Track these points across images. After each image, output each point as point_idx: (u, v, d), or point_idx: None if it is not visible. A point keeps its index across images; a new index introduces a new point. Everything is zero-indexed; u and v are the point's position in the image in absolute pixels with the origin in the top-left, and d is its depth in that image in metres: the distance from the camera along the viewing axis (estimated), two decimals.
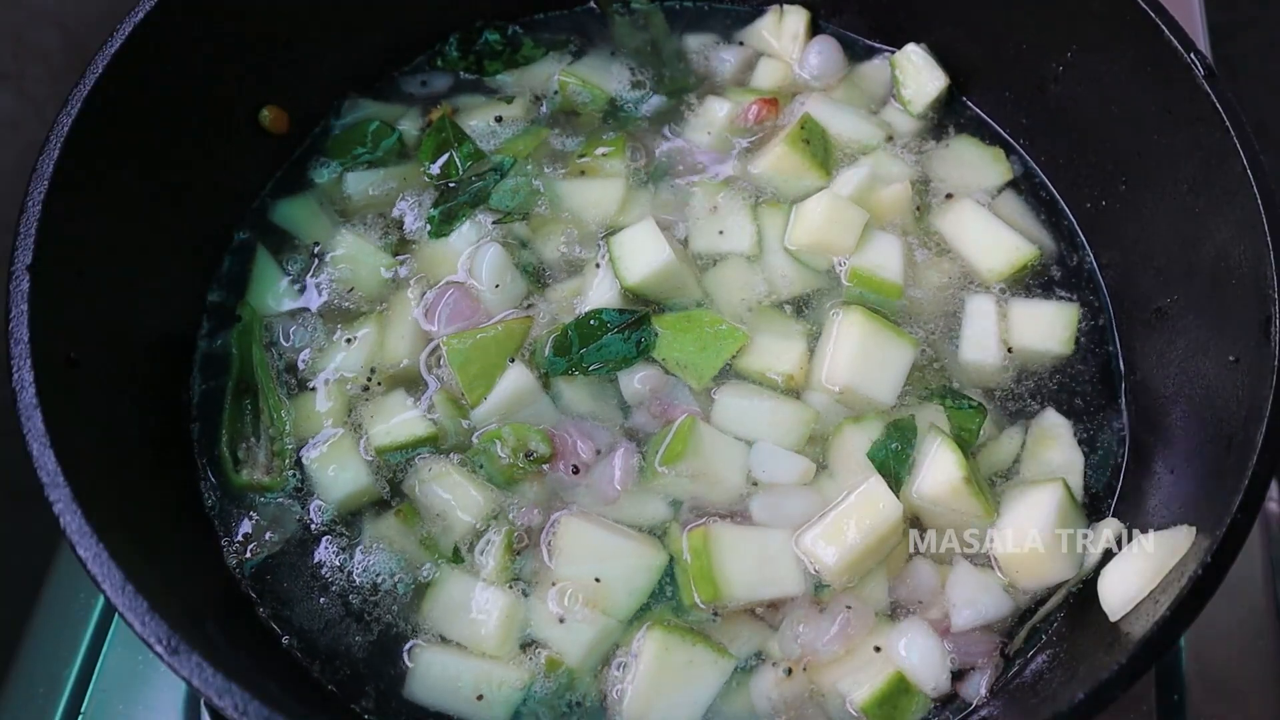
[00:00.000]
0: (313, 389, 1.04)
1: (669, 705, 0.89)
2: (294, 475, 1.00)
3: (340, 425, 1.02)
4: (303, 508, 0.99)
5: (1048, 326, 1.08)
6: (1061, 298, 1.11)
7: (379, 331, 1.06)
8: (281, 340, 1.07)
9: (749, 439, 1.00)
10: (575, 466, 0.99)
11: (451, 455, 1.01)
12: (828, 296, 1.09)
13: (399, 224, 1.13)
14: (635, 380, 1.03)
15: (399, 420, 1.01)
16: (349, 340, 1.06)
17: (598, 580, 0.93)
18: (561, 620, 0.92)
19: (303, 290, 1.10)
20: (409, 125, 1.20)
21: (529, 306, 1.07)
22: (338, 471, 1.00)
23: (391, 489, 1.00)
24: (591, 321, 1.04)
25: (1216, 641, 1.08)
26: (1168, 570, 0.85)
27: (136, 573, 0.76)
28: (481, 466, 0.99)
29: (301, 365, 1.06)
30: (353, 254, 1.10)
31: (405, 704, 0.92)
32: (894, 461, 0.99)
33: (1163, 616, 0.78)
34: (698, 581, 0.93)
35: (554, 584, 0.94)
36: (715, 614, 0.94)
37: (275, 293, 1.10)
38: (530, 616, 0.93)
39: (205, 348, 1.07)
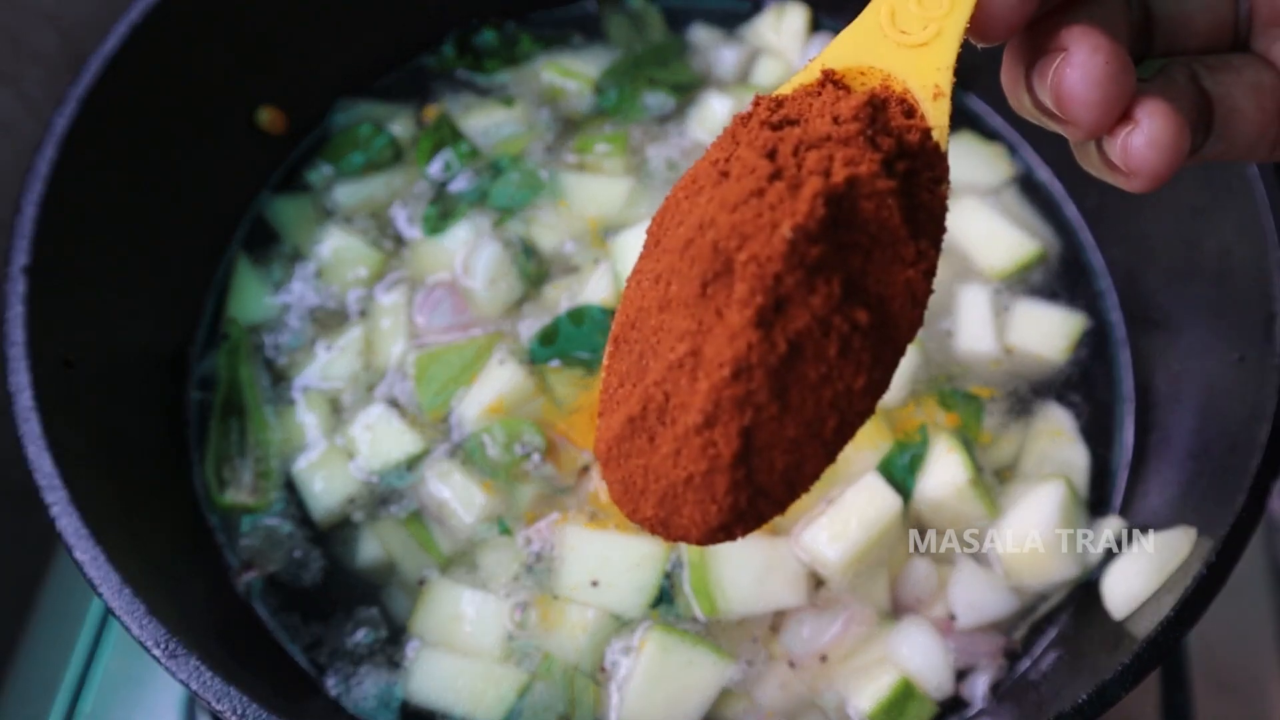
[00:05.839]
0: (297, 400, 1.03)
1: (668, 706, 0.89)
2: (280, 497, 0.99)
3: (328, 436, 1.01)
4: (296, 522, 0.99)
5: (1050, 333, 1.07)
6: (1066, 301, 1.10)
7: (368, 336, 1.06)
8: (269, 349, 1.06)
9: None
10: (584, 466, 0.98)
11: (452, 453, 1.00)
12: None
13: (394, 224, 1.13)
14: None
15: (388, 433, 1.00)
16: (337, 347, 1.05)
17: (595, 584, 0.93)
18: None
19: (293, 295, 1.09)
20: (406, 124, 1.19)
21: (522, 305, 1.07)
22: (327, 480, 0.99)
23: (388, 491, 0.99)
24: (581, 315, 1.04)
25: (1222, 641, 1.08)
26: (1172, 570, 0.85)
27: (133, 576, 0.76)
28: (477, 464, 0.99)
29: (288, 374, 1.05)
30: (345, 256, 1.10)
31: (405, 704, 0.91)
32: (903, 475, 0.98)
33: (1167, 617, 0.77)
34: (696, 595, 0.93)
35: (555, 595, 0.93)
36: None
37: (261, 300, 1.09)
38: (527, 618, 0.93)
39: (201, 355, 1.06)
